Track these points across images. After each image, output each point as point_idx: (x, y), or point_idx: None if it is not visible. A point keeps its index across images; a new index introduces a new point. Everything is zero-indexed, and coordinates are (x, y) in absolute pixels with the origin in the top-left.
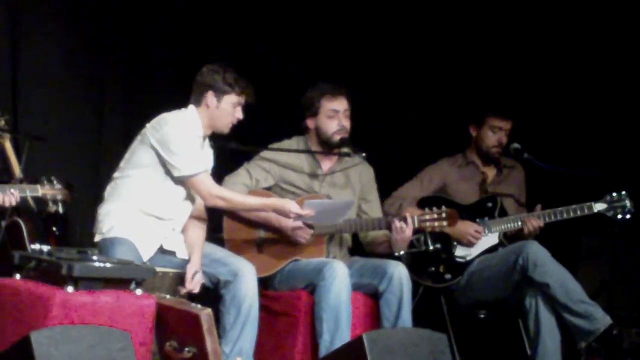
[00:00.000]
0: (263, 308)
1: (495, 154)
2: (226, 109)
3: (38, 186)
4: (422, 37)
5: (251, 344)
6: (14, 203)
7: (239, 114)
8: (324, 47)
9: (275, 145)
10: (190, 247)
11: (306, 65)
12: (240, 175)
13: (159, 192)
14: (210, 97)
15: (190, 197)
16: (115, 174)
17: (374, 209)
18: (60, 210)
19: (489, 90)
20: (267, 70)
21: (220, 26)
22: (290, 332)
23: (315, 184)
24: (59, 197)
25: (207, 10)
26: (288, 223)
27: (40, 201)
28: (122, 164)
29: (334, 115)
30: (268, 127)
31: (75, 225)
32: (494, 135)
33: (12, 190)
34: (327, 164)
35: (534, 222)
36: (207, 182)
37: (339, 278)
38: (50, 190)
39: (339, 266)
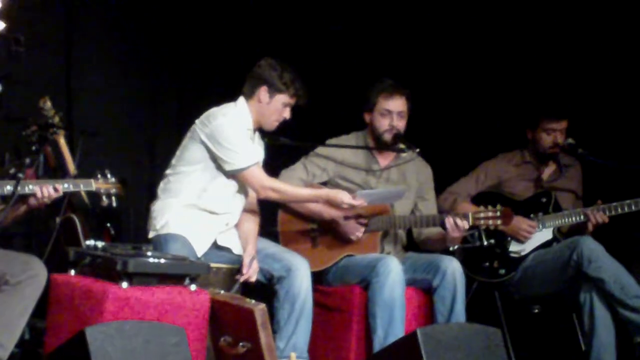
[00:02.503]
0: (316, 303)
1: (553, 154)
2: (276, 107)
3: (92, 180)
4: (479, 36)
5: (305, 339)
6: (53, 196)
7: (286, 114)
8: (382, 42)
9: (333, 140)
10: (244, 239)
11: (367, 60)
12: (297, 170)
13: (212, 187)
14: (263, 92)
15: (243, 191)
16: (168, 171)
17: (430, 208)
18: (114, 204)
19: (541, 91)
20: (326, 66)
21: (278, 18)
22: (344, 328)
23: (372, 180)
24: (113, 191)
25: (261, 4)
26: (338, 215)
27: (94, 195)
28: (173, 160)
29: (387, 115)
30: (325, 123)
31: (129, 221)
32: (548, 136)
33: (56, 185)
34: (384, 159)
35: (599, 216)
36: (258, 175)
37: (392, 274)
38: (104, 185)
39: (392, 262)
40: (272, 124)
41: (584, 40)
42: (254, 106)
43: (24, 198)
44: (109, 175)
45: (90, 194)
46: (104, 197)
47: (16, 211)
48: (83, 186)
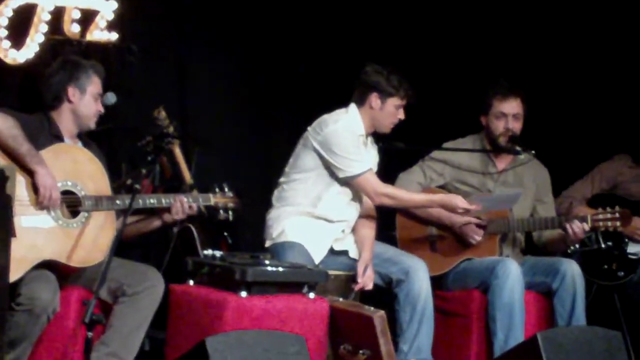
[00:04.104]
0: (436, 308)
1: None
2: (389, 111)
3: (210, 195)
4: (596, 37)
5: (428, 341)
6: (194, 212)
7: (401, 115)
8: (498, 44)
9: (450, 144)
10: (360, 245)
11: (483, 62)
12: (414, 173)
13: (326, 194)
14: (374, 98)
15: (357, 198)
16: (282, 179)
17: (549, 211)
18: (231, 218)
19: None
20: (443, 68)
21: (389, 22)
22: (464, 333)
23: (489, 182)
24: (230, 205)
25: (370, 10)
26: (458, 219)
27: (212, 209)
28: (287, 168)
29: (501, 117)
30: (440, 126)
31: (246, 230)
32: None
33: (191, 202)
34: (500, 162)
35: None
36: (372, 181)
37: (512, 277)
38: (222, 199)
39: (512, 265)
40: (387, 127)
41: None
42: (367, 112)
43: (158, 212)
44: (226, 190)
45: (208, 206)
46: (221, 212)
47: (150, 225)
48: (202, 200)
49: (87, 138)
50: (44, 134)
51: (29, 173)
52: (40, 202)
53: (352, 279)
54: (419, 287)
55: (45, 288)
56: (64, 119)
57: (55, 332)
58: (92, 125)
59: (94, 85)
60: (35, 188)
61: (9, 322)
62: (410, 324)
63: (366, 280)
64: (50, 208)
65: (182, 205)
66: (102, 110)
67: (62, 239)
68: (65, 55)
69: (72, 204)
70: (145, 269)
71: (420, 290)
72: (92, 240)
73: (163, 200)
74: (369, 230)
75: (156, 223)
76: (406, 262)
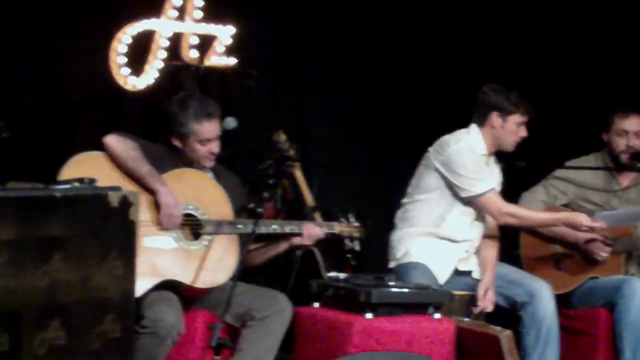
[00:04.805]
0: (561, 327)
1: None
2: (511, 128)
3: (335, 224)
4: None
5: None
6: (321, 237)
7: (523, 133)
8: (619, 62)
9: (573, 162)
10: (483, 266)
11: (604, 80)
12: (538, 192)
13: (449, 214)
14: (495, 117)
15: (480, 217)
16: (404, 200)
17: None
18: (357, 247)
19: None
20: (563, 87)
21: (505, 42)
22: (590, 352)
23: (613, 200)
24: (355, 234)
25: (487, 31)
26: (582, 236)
27: (337, 237)
28: (409, 189)
29: (623, 135)
30: (562, 145)
31: (369, 251)
32: None
33: (318, 229)
34: (624, 179)
35: None
36: (495, 200)
37: (638, 295)
38: (347, 228)
39: (638, 284)
40: (511, 145)
41: None
42: (488, 132)
43: (285, 236)
44: (351, 218)
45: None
46: (347, 241)
47: (277, 248)
48: (326, 229)
49: (222, 166)
50: (167, 160)
51: (150, 193)
52: (161, 221)
53: (475, 299)
54: (544, 309)
55: (169, 310)
56: (187, 152)
57: (182, 356)
58: (207, 164)
59: (202, 131)
60: (156, 208)
61: (134, 345)
62: (535, 347)
63: (486, 303)
64: (171, 227)
65: (313, 230)
66: (214, 150)
67: (184, 261)
68: (184, 82)
69: (194, 226)
70: (273, 293)
71: (545, 313)
72: (216, 262)
73: (286, 227)
74: (491, 250)
75: (283, 246)
76: (531, 284)
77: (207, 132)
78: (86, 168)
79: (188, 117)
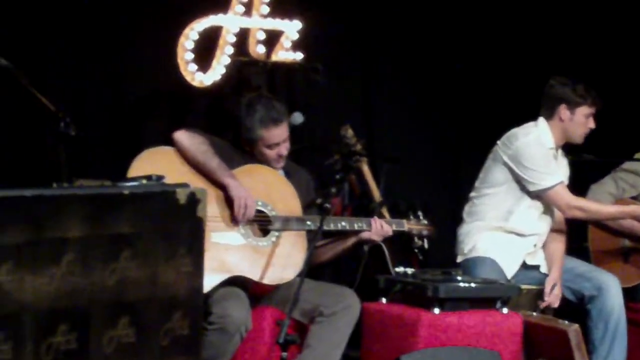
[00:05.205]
0: (629, 321)
1: None
2: (580, 120)
3: (404, 221)
4: None
5: (622, 357)
6: (390, 235)
7: (591, 124)
8: None
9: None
10: (550, 261)
11: None
12: (607, 184)
13: (517, 208)
14: (563, 110)
15: (548, 211)
16: (472, 194)
17: None
18: (426, 245)
19: None
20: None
21: (568, 34)
22: None
23: None
24: (425, 232)
25: (551, 24)
26: None
27: (406, 234)
28: (477, 183)
29: None
30: (631, 137)
31: (436, 246)
32: None
33: (385, 227)
34: None
35: None
36: (563, 194)
37: None
38: (416, 226)
39: None
40: (580, 137)
41: None
42: (556, 125)
43: (355, 231)
44: (420, 217)
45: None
46: (415, 239)
47: (345, 243)
48: (395, 226)
49: (292, 162)
50: (235, 157)
51: (220, 188)
52: (236, 212)
53: (543, 294)
54: (612, 303)
55: (237, 306)
56: (255, 155)
57: (250, 352)
58: (277, 166)
59: (270, 137)
60: (225, 204)
61: (203, 342)
62: (602, 341)
63: (553, 298)
64: (246, 218)
65: (382, 227)
66: (283, 153)
67: (252, 257)
68: (251, 77)
69: (262, 222)
70: (341, 289)
71: (613, 307)
72: (284, 259)
73: (355, 224)
74: (559, 244)
75: (351, 241)
76: (599, 277)
77: (274, 137)
78: (155, 163)
79: (255, 123)
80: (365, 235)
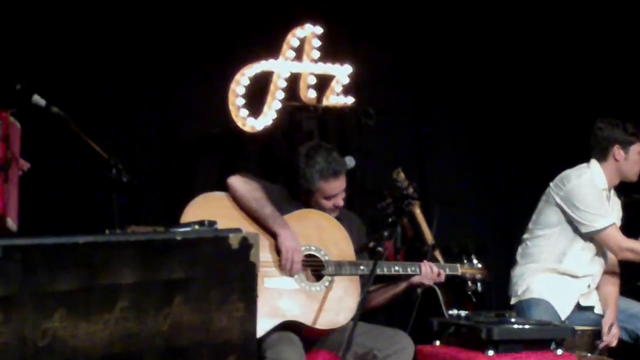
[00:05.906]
0: None
1: None
2: (634, 158)
3: (458, 265)
4: None
5: None
6: (442, 281)
7: None
8: None
9: None
10: (604, 302)
11: None
12: None
13: (570, 250)
14: (617, 150)
15: (601, 253)
16: (525, 235)
17: None
18: (479, 289)
19: None
20: None
21: (613, 73)
22: None
23: None
24: (478, 276)
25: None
26: None
27: (459, 278)
28: (530, 225)
29: None
30: None
31: (490, 288)
32: None
33: (439, 271)
34: None
35: None
36: (615, 235)
37: None
38: (470, 270)
39: None
40: (635, 175)
41: None
42: (611, 166)
43: (407, 276)
44: (474, 261)
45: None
46: (469, 283)
47: (397, 288)
48: (449, 270)
49: (343, 207)
50: (288, 202)
51: (272, 235)
52: (282, 265)
53: (598, 334)
54: None
55: (291, 350)
56: (311, 204)
57: None
58: (331, 215)
59: (329, 189)
60: (277, 250)
61: None
62: None
63: (611, 338)
64: (292, 273)
65: (433, 271)
66: (340, 204)
67: (305, 301)
68: (302, 122)
69: (315, 267)
70: (394, 332)
71: None
72: (336, 303)
73: (409, 269)
74: (612, 287)
75: (403, 285)
76: None
77: (333, 190)
78: (209, 209)
79: (315, 174)
80: (416, 279)
